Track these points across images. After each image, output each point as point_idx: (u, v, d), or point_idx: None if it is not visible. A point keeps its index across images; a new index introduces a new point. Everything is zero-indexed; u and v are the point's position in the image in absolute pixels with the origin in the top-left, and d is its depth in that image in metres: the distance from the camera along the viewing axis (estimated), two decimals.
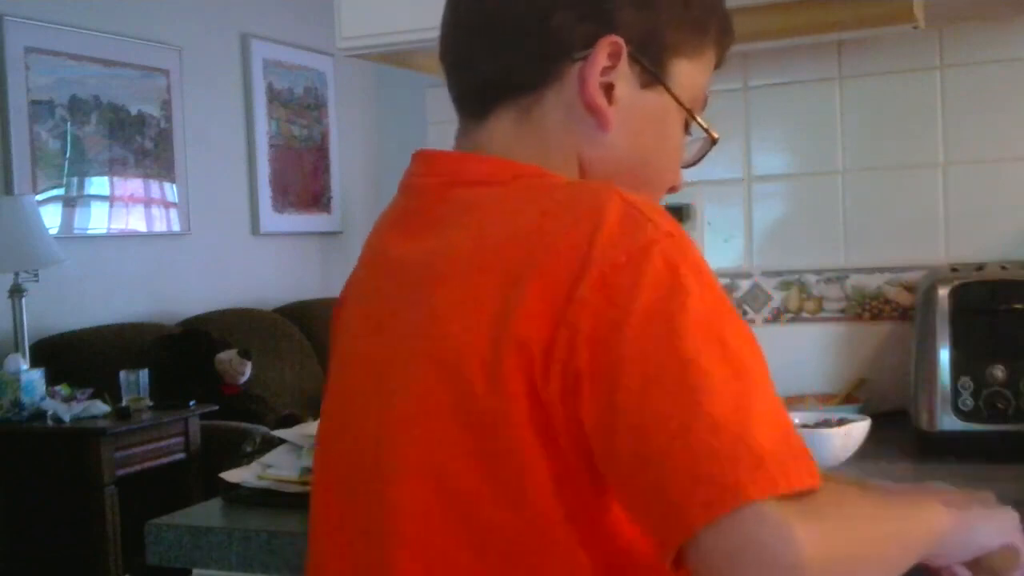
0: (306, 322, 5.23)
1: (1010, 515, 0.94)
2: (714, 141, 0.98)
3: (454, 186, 0.89)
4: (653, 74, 0.90)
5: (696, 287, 0.75)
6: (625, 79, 0.89)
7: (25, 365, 3.80)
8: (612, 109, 0.89)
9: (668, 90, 0.91)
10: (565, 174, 0.90)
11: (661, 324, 0.74)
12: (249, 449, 1.55)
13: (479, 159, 0.91)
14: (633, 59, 0.89)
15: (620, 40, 0.88)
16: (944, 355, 1.53)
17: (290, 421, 3.58)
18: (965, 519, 0.88)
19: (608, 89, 0.89)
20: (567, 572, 0.78)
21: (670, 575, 0.75)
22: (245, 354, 4.44)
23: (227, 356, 4.41)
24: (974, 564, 0.91)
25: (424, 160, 0.94)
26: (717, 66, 0.98)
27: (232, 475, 1.46)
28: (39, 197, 4.24)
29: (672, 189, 0.99)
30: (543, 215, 0.81)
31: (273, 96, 5.64)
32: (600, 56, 0.88)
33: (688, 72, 0.93)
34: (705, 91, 0.96)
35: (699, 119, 0.95)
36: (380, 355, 0.87)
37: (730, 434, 0.70)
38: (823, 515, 0.72)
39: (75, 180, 4.51)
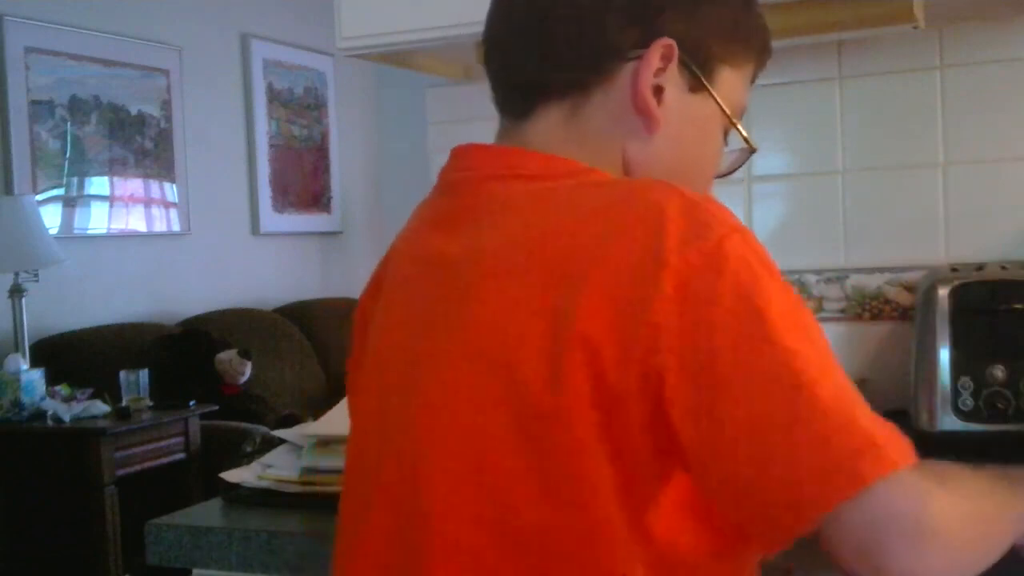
0: (306, 322, 5.23)
1: None
2: (752, 151, 0.99)
3: (497, 180, 0.89)
4: (700, 79, 0.92)
5: (769, 279, 0.77)
6: (674, 82, 0.91)
7: (25, 365, 3.80)
8: (660, 111, 0.90)
9: (714, 96, 0.93)
10: (609, 172, 0.90)
11: (750, 318, 0.75)
12: (249, 449, 1.55)
13: (526, 154, 0.91)
14: (682, 63, 0.90)
15: (673, 43, 0.89)
16: (944, 355, 1.53)
17: (290, 421, 3.58)
18: None
19: (658, 92, 0.90)
20: (615, 574, 0.78)
21: (717, 573, 0.75)
22: (245, 354, 4.44)
23: (227, 356, 4.41)
24: None
25: (465, 155, 0.95)
26: (752, 81, 0.99)
27: (232, 475, 1.46)
28: (39, 197, 4.24)
29: None
30: (598, 212, 0.81)
31: (273, 96, 5.64)
32: (654, 57, 0.89)
33: (731, 81, 0.94)
34: (745, 103, 0.98)
35: (740, 128, 0.96)
36: (422, 349, 0.87)
37: (842, 417, 0.73)
38: (948, 487, 0.76)
39: (75, 180, 4.51)
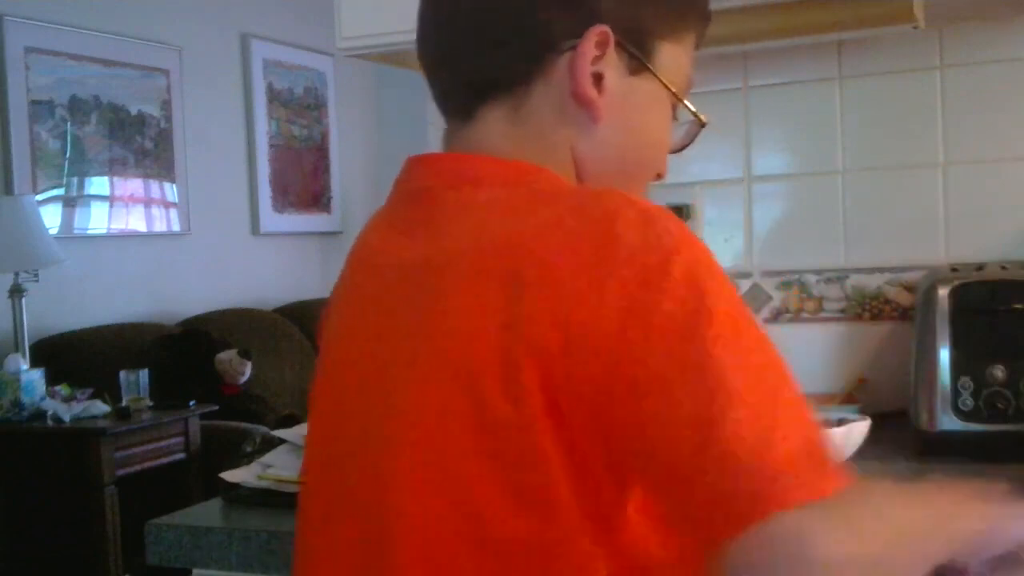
0: (306, 322, 5.23)
1: None
2: (702, 124, 0.97)
3: (454, 188, 0.88)
4: (640, 60, 0.90)
5: (717, 297, 0.75)
6: (613, 67, 0.88)
7: (25, 365, 3.80)
8: (602, 99, 0.88)
9: (655, 75, 0.90)
10: (559, 168, 0.89)
11: (685, 334, 0.73)
12: (249, 449, 1.55)
13: (479, 159, 0.90)
14: (620, 46, 0.88)
15: (607, 28, 0.87)
16: (944, 355, 1.53)
17: (290, 421, 3.58)
18: (1000, 518, 0.83)
19: (598, 79, 0.88)
20: None
21: (684, 575, 0.75)
22: (245, 354, 4.44)
23: (227, 356, 4.41)
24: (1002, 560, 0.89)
25: (420, 164, 0.93)
26: (696, 47, 0.97)
27: (232, 475, 1.46)
28: (39, 197, 4.24)
29: (658, 176, 0.98)
30: (551, 223, 0.80)
31: (273, 96, 5.64)
32: (588, 46, 0.87)
33: (672, 55, 0.92)
34: (690, 74, 0.95)
35: (687, 102, 0.94)
36: (380, 357, 0.86)
37: (753, 446, 0.71)
38: (848, 516, 0.72)
39: (75, 180, 4.51)
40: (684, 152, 1.00)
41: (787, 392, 0.75)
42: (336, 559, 0.87)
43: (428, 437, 0.80)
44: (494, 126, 0.90)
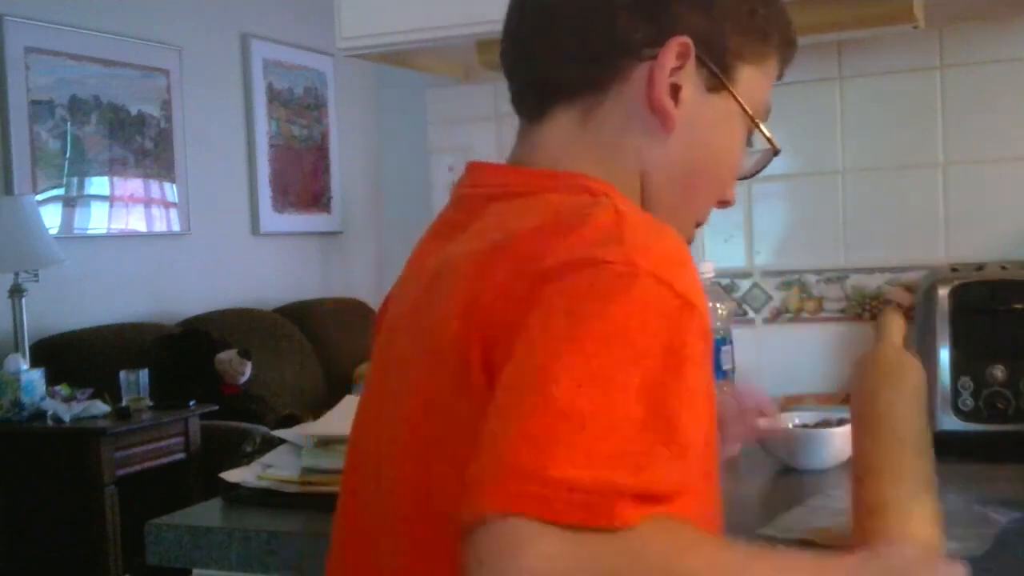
0: (306, 322, 5.23)
1: None
2: (776, 152, 0.96)
3: (495, 200, 0.88)
4: (719, 77, 0.90)
5: (623, 320, 0.71)
6: (691, 81, 0.88)
7: (25, 365, 3.80)
8: (677, 111, 0.88)
9: (733, 95, 0.91)
10: (624, 177, 0.89)
11: (561, 323, 0.72)
12: (249, 449, 1.55)
13: (520, 172, 0.91)
14: (700, 61, 0.88)
15: (689, 40, 0.87)
16: (944, 355, 1.53)
17: (290, 421, 3.58)
18: None
19: (675, 90, 0.88)
20: None
21: None
22: (245, 354, 4.44)
23: (227, 356, 4.41)
24: None
25: (471, 171, 0.95)
26: (778, 77, 0.98)
27: (232, 475, 1.46)
28: (39, 197, 4.24)
29: (723, 203, 0.97)
30: (535, 223, 0.81)
31: (273, 96, 5.64)
32: (669, 56, 0.87)
33: (752, 78, 0.92)
34: (767, 101, 0.95)
35: (763, 128, 0.94)
36: (395, 355, 0.89)
37: (531, 446, 0.68)
38: (600, 557, 0.66)
39: (75, 180, 4.51)
40: (746, 168, 1.00)
41: (620, 432, 0.69)
42: (352, 550, 0.91)
43: (413, 429, 0.83)
44: (561, 128, 0.91)
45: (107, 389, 3.86)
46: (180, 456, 3.97)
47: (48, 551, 3.71)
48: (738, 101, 0.91)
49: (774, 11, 0.94)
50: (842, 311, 1.91)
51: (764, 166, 0.99)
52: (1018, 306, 1.52)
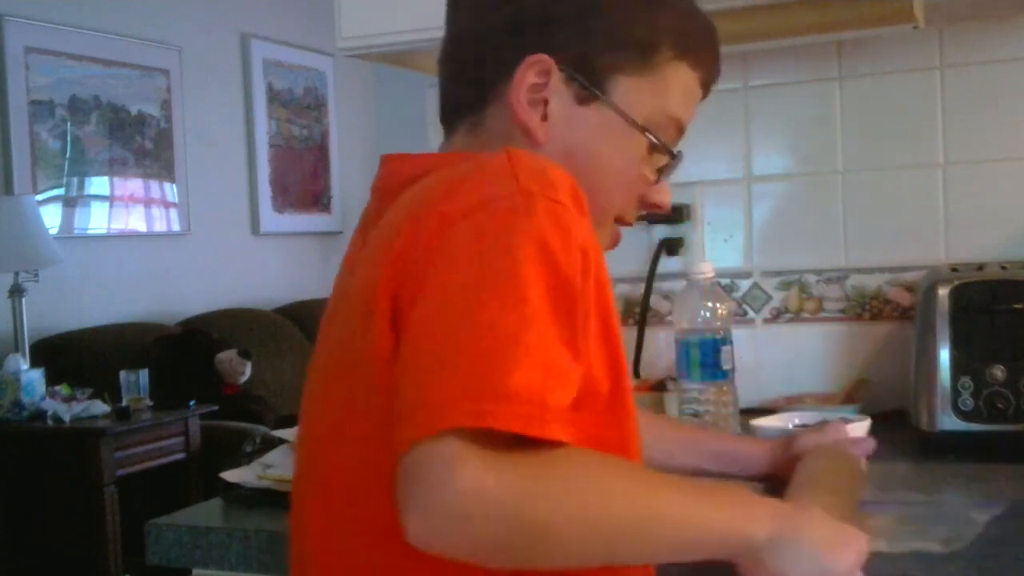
0: (306, 322, 5.23)
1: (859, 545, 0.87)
2: (674, 157, 0.98)
3: (405, 184, 0.91)
4: (589, 90, 0.93)
5: (524, 245, 0.76)
6: (559, 96, 0.93)
7: (25, 365, 3.80)
8: (545, 125, 0.93)
9: (612, 105, 0.93)
10: None
11: (471, 258, 0.76)
12: (249, 449, 1.55)
13: (426, 157, 0.97)
14: (569, 76, 0.92)
15: (546, 57, 0.92)
16: (944, 355, 1.53)
17: (290, 421, 3.57)
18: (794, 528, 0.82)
19: (543, 105, 0.93)
20: None
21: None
22: (245, 354, 4.44)
23: (227, 356, 4.41)
24: None
25: (384, 163, 0.99)
26: (703, 84, 0.99)
27: (232, 475, 1.46)
28: (39, 197, 4.24)
29: (620, 220, 1.00)
30: (437, 182, 0.85)
31: (273, 96, 5.64)
32: (525, 75, 0.92)
33: (636, 90, 0.94)
34: (669, 113, 0.97)
35: (649, 134, 0.95)
36: (317, 351, 0.94)
37: (479, 359, 0.72)
38: (530, 471, 0.71)
39: (75, 180, 4.51)
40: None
41: (540, 349, 0.74)
42: (293, 545, 0.96)
43: (319, 391, 0.90)
44: (462, 143, 0.98)
45: (107, 389, 3.86)
46: (180, 456, 3.97)
47: (48, 551, 3.71)
48: (618, 111, 0.94)
49: (667, 22, 0.96)
50: (842, 311, 1.91)
51: (671, 171, 1.00)
52: (1018, 306, 1.52)
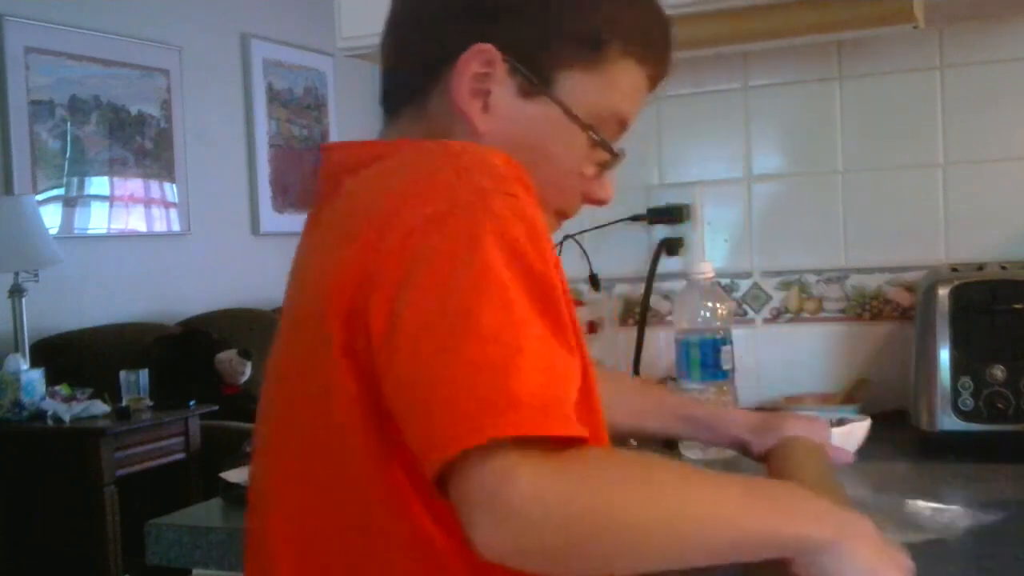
0: None
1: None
2: (614, 155, 0.97)
3: (346, 172, 0.91)
4: (533, 83, 0.91)
5: (490, 248, 0.75)
6: (502, 86, 0.91)
7: (25, 365, 3.80)
8: (486, 116, 0.91)
9: (555, 99, 0.92)
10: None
11: (448, 270, 0.75)
12: (249, 449, 1.54)
13: (364, 144, 0.95)
14: (513, 67, 0.91)
15: (491, 47, 0.90)
16: (944, 355, 1.53)
17: None
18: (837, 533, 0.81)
19: (485, 95, 0.91)
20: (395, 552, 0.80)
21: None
22: (245, 354, 4.44)
23: (227, 356, 4.41)
24: None
25: (324, 151, 0.98)
26: (652, 80, 0.97)
27: (232, 475, 1.46)
28: (39, 197, 4.24)
29: (560, 214, 0.99)
30: (385, 189, 0.84)
31: (273, 96, 5.64)
32: (469, 63, 0.90)
33: (582, 85, 0.93)
34: (616, 110, 0.95)
35: (592, 132, 0.94)
36: (273, 351, 0.94)
37: (489, 371, 0.71)
38: (574, 472, 0.71)
39: (75, 180, 4.51)
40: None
41: (538, 350, 0.74)
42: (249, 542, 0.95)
43: (277, 417, 0.90)
44: (405, 128, 0.95)
45: (107, 389, 3.86)
46: (180, 456, 3.97)
47: (48, 551, 3.71)
48: (561, 106, 0.92)
49: (617, 16, 0.94)
50: (842, 311, 1.91)
51: (611, 167, 0.99)
52: (1018, 306, 1.52)
